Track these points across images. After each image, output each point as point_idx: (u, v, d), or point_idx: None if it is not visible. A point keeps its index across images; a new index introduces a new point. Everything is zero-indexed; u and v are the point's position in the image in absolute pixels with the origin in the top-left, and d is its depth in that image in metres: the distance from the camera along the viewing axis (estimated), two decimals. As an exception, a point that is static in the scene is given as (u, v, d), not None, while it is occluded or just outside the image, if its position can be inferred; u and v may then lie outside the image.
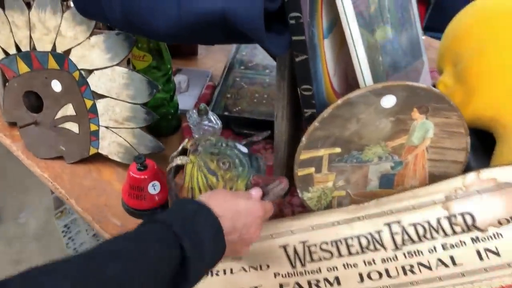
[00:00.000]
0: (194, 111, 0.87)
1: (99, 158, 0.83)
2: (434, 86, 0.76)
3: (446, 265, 0.60)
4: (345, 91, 0.73)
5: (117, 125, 0.78)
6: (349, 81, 0.76)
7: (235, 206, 0.54)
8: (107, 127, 0.79)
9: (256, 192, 0.59)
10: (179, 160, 0.63)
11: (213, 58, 1.10)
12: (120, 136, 0.79)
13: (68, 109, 0.80)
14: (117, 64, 0.74)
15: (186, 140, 0.66)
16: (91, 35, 0.73)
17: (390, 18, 0.73)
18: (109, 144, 0.80)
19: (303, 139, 0.65)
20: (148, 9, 0.56)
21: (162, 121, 0.85)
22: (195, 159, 0.62)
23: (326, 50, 0.67)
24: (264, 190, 0.60)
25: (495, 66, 0.68)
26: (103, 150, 0.81)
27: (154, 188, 0.74)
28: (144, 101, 0.75)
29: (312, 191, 0.69)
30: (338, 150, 0.67)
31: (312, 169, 0.68)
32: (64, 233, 1.07)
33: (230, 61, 1.04)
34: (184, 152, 0.65)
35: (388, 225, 0.65)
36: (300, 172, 0.68)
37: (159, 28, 0.57)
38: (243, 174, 0.62)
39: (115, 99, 0.76)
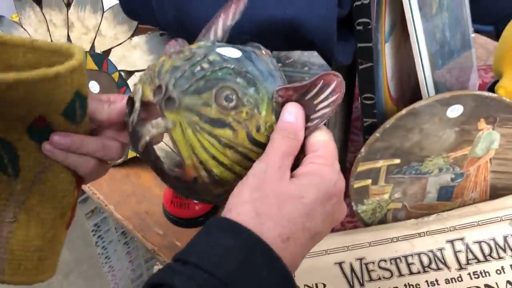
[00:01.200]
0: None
1: (138, 162, 0.79)
2: (491, 88, 0.72)
3: (516, 288, 0.56)
4: (399, 96, 0.70)
5: (158, 129, 0.75)
6: (403, 85, 0.71)
7: (300, 207, 0.33)
8: (147, 131, 0.76)
9: (295, 116, 0.36)
10: (154, 129, 0.37)
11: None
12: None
13: (106, 111, 0.77)
14: (159, 66, 0.70)
15: (139, 87, 0.38)
16: (132, 35, 0.69)
17: (448, 17, 0.68)
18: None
19: (362, 150, 0.61)
20: (207, 15, 0.52)
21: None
22: (178, 117, 0.36)
23: (387, 54, 0.63)
24: (306, 104, 0.37)
25: None
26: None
27: (197, 196, 0.71)
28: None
29: (367, 203, 0.66)
30: (397, 161, 0.63)
31: (369, 181, 0.64)
32: (94, 232, 1.06)
33: (267, 58, 1.00)
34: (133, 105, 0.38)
35: (451, 242, 0.61)
36: (356, 184, 0.64)
37: (217, 35, 0.53)
38: (261, 94, 0.37)
39: (157, 102, 0.73)
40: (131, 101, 0.39)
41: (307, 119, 0.37)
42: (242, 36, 0.52)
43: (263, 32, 0.51)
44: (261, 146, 0.36)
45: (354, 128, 0.85)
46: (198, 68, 0.36)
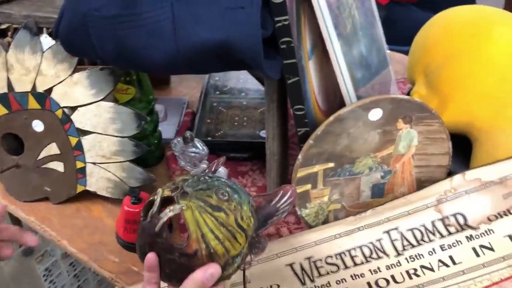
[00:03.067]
0: (179, 139, 0.87)
1: (87, 195, 0.81)
2: (408, 95, 0.81)
3: (447, 265, 0.63)
4: (327, 108, 0.77)
5: (105, 160, 0.77)
6: (330, 98, 0.79)
7: None
8: (94, 163, 0.78)
9: (210, 274, 0.48)
10: (171, 212, 0.50)
11: (187, 86, 1.11)
12: (109, 171, 0.78)
13: (52, 149, 0.78)
14: (102, 99, 0.73)
15: (159, 190, 0.53)
16: (73, 72, 0.73)
17: (362, 35, 0.77)
18: (97, 180, 0.79)
19: (299, 157, 0.67)
20: (143, 44, 0.57)
21: (146, 152, 0.85)
22: (189, 203, 0.50)
23: (311, 70, 0.70)
24: (271, 209, 0.55)
25: (465, 73, 0.73)
26: (91, 187, 0.80)
27: (150, 220, 0.73)
28: (132, 133, 0.75)
29: (310, 207, 0.71)
30: (331, 165, 0.69)
31: (309, 186, 0.70)
32: (45, 277, 1.03)
33: (205, 87, 1.05)
34: (165, 202, 0.53)
35: (387, 232, 0.67)
36: (298, 189, 0.69)
37: (154, 62, 0.58)
38: (242, 199, 0.53)
39: (102, 134, 0.75)
40: (149, 204, 0.53)
41: (273, 215, 0.55)
42: (181, 63, 0.57)
43: (198, 54, 0.56)
44: (243, 230, 0.51)
45: (293, 144, 0.91)
46: (202, 178, 0.53)
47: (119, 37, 0.58)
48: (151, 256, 0.49)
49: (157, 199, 0.51)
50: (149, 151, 0.86)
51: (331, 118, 0.65)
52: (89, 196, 0.81)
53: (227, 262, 0.50)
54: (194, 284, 0.47)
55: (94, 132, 0.76)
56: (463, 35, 0.74)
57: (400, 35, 1.33)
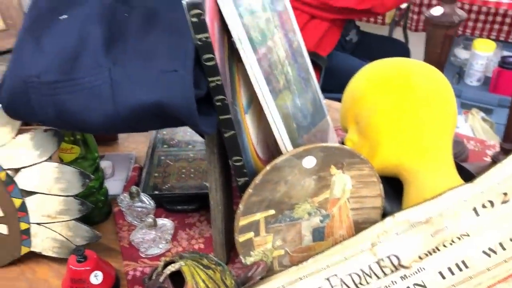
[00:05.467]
0: (125, 194, 0.89)
1: (31, 257, 0.80)
2: (342, 142, 0.87)
3: (384, 304, 0.66)
4: (268, 157, 0.81)
5: (50, 220, 0.78)
6: (270, 148, 0.83)
7: None
8: (39, 224, 0.78)
9: None
10: (173, 268, 0.65)
11: (134, 141, 1.13)
12: (54, 231, 0.78)
13: (-5, 211, 0.78)
14: (46, 160, 0.75)
15: (161, 263, 0.67)
16: (16, 134, 0.74)
17: (296, 89, 0.83)
18: (43, 240, 0.79)
19: (240, 206, 0.70)
20: (83, 108, 0.59)
21: (93, 210, 0.85)
22: (187, 261, 0.66)
23: (248, 123, 0.75)
24: (247, 278, 0.69)
25: (390, 121, 0.79)
26: (36, 248, 0.79)
27: (96, 278, 0.73)
28: (77, 192, 0.76)
29: (254, 255, 0.74)
30: (272, 212, 0.73)
31: (251, 234, 0.72)
32: None
33: (152, 142, 1.08)
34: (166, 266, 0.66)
35: (327, 279, 0.70)
36: (241, 238, 0.72)
37: (95, 124, 0.60)
38: (225, 268, 0.69)
39: (47, 194, 0.76)
40: (150, 273, 0.68)
41: (250, 280, 0.69)
42: (120, 123, 0.60)
43: (136, 115, 0.59)
44: (226, 286, 0.66)
45: (236, 197, 0.94)
46: (195, 254, 0.69)
47: (58, 102, 0.60)
48: None
49: (161, 263, 0.67)
50: (96, 208, 0.87)
51: (268, 167, 0.69)
52: (34, 257, 0.80)
53: None
54: None
55: (39, 193, 0.76)
56: (386, 87, 0.81)
57: (339, 83, 1.42)
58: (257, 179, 0.69)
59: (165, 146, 1.08)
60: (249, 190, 0.70)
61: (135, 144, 1.12)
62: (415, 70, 0.83)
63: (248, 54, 0.67)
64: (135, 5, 0.68)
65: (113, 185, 0.98)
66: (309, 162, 0.71)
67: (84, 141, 0.84)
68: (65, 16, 0.65)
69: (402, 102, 0.78)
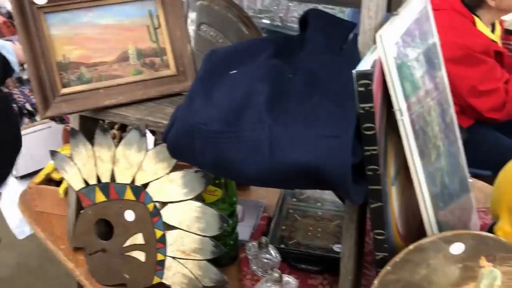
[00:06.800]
0: (254, 243, 0.90)
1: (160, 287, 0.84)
2: (489, 230, 0.79)
3: None
4: (406, 232, 0.77)
5: (184, 256, 0.81)
6: (409, 222, 0.79)
7: None
8: (173, 257, 0.82)
9: None
10: None
11: (266, 189, 1.15)
12: (186, 267, 0.81)
13: (138, 238, 0.84)
14: (191, 199, 0.79)
15: None
16: (170, 171, 0.80)
17: (445, 164, 0.78)
18: (174, 274, 0.82)
19: (375, 282, 0.67)
20: (240, 158, 0.62)
21: (221, 252, 0.88)
22: None
23: (393, 195, 0.72)
24: None
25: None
26: (167, 280, 0.83)
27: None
28: (214, 234, 0.79)
29: (381, 335, 0.69)
30: (407, 294, 0.68)
31: (382, 313, 0.68)
32: None
33: (283, 193, 1.09)
34: None
35: None
36: (370, 315, 0.68)
37: (248, 175, 0.62)
38: None
39: (186, 231, 0.80)
40: None
41: None
42: (273, 178, 0.62)
43: (289, 174, 0.60)
44: None
45: (366, 263, 0.90)
46: None
47: (219, 150, 0.64)
48: None
49: None
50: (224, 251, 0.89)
51: (411, 247, 0.65)
52: (162, 288, 0.84)
53: None
54: None
55: (179, 228, 0.81)
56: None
57: (479, 158, 1.32)
58: (398, 258, 0.66)
59: (294, 199, 1.09)
60: (387, 268, 0.66)
61: (266, 192, 1.15)
62: None
63: (407, 126, 0.66)
64: (300, 67, 0.71)
65: (242, 231, 1.00)
66: (457, 248, 0.66)
67: (226, 185, 0.87)
68: (235, 71, 0.70)
69: None
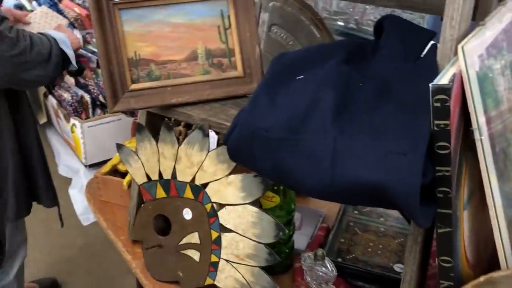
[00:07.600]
0: (310, 254, 0.87)
1: (212, 289, 0.84)
2: None
3: None
4: (476, 260, 0.71)
5: (238, 261, 0.80)
6: (480, 250, 0.73)
7: None
8: (227, 261, 0.81)
9: None
10: None
11: (326, 198, 1.12)
12: (239, 272, 0.80)
13: (194, 237, 0.84)
14: (249, 203, 0.78)
15: None
16: (230, 173, 0.79)
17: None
18: (226, 277, 0.82)
19: (437, 312, 0.62)
20: (300, 168, 0.60)
21: (276, 259, 0.86)
22: None
23: (465, 220, 0.66)
24: None
25: None
26: (219, 283, 0.83)
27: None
28: (269, 241, 0.77)
29: None
30: (473, 329, 0.62)
31: None
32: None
33: (344, 204, 1.05)
34: None
35: None
36: None
37: (307, 187, 0.60)
38: None
39: (241, 235, 0.79)
40: None
41: None
42: (332, 193, 0.59)
43: (351, 190, 0.57)
44: None
45: (428, 287, 0.85)
46: None
47: (279, 157, 0.62)
48: None
49: None
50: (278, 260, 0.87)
51: (482, 279, 0.60)
52: (214, 290, 0.84)
53: None
54: None
55: (234, 232, 0.79)
56: None
57: None
58: (465, 288, 0.60)
59: (355, 211, 1.05)
60: (453, 298, 0.61)
61: (326, 202, 1.11)
62: None
63: (485, 147, 0.60)
64: (370, 75, 0.67)
65: (298, 239, 0.97)
66: (535, 286, 0.60)
67: (284, 192, 0.85)
68: (301, 76, 0.67)
69: None
